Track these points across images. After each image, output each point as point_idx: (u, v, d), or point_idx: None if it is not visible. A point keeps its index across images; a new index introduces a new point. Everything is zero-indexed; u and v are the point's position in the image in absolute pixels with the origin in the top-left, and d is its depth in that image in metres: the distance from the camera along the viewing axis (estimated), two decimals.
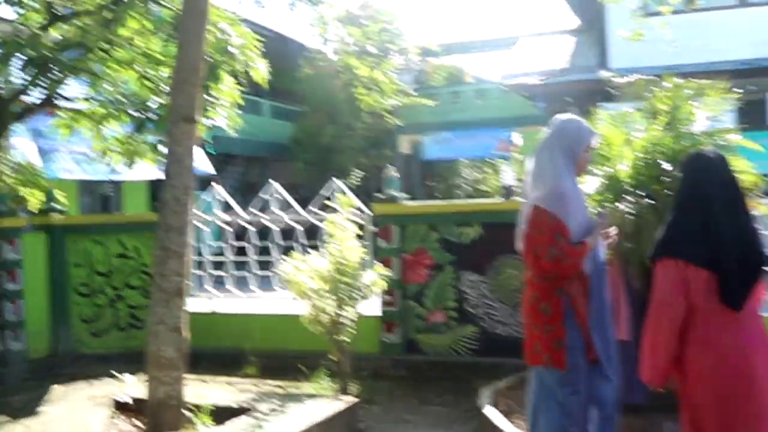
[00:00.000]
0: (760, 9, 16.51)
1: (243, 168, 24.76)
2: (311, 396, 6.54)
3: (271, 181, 9.44)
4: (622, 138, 5.58)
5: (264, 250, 9.14)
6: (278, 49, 17.25)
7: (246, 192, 21.10)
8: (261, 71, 7.69)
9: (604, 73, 16.24)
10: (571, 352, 4.01)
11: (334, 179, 8.88)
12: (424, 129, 22.33)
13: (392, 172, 8.48)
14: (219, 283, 9.40)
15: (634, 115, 5.52)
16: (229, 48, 7.43)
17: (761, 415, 3.15)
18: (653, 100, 5.47)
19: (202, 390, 6.70)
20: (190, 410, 5.77)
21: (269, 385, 7.34)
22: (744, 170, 5.31)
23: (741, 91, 5.49)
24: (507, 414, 5.61)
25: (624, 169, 5.49)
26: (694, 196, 3.31)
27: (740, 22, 15.92)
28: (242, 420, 5.66)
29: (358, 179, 21.53)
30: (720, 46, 16.39)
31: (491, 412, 5.54)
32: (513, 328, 7.77)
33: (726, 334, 3.15)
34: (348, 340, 6.94)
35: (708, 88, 5.39)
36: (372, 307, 7.79)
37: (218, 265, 9.37)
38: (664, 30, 7.97)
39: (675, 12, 11.00)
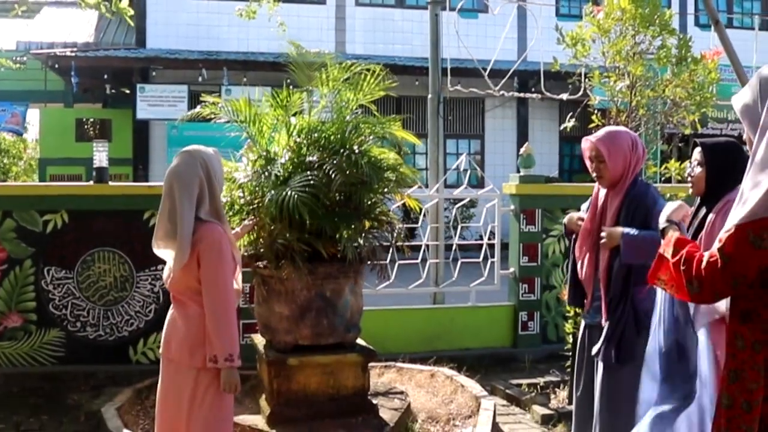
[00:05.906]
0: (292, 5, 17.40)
1: None
2: None
3: None
4: (273, 120, 5.19)
5: None
6: None
7: None
8: None
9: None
10: None
11: None
12: None
13: None
14: None
15: (294, 98, 5.11)
16: None
17: None
18: (316, 83, 5.13)
19: None
20: None
21: None
22: (396, 162, 5.28)
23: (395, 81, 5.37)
24: None
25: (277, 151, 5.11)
26: None
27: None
28: None
29: None
30: (254, 37, 16.76)
31: None
32: (105, 331, 6.85)
33: None
34: None
35: (368, 75, 5.20)
36: None
37: None
38: (272, 12, 7.68)
39: None
